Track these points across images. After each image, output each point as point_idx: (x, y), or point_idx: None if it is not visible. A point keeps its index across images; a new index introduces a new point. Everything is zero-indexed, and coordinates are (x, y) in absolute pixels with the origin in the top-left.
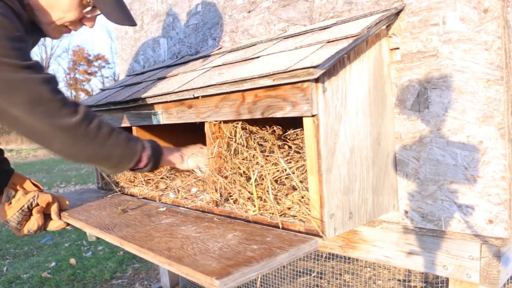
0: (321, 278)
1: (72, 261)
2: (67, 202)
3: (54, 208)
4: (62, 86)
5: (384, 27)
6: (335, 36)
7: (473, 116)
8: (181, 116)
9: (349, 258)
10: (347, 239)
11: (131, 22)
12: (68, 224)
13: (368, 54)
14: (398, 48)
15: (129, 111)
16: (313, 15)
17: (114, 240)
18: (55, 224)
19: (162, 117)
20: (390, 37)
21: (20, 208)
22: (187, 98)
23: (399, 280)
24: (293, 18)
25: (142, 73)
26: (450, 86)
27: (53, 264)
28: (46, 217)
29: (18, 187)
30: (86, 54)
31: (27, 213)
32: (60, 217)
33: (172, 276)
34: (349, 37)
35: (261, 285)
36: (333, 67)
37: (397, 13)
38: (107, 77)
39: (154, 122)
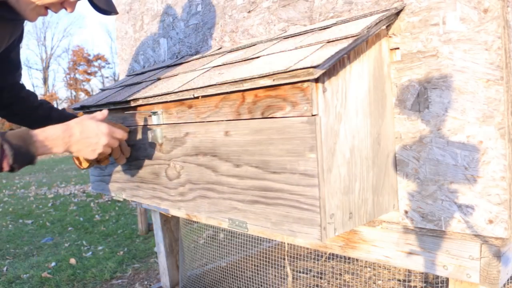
0: (321, 278)
1: (72, 261)
2: (127, 128)
3: (114, 151)
4: (62, 86)
5: (384, 27)
6: (335, 36)
7: (473, 116)
8: (181, 116)
9: (349, 258)
10: (347, 239)
11: (114, 10)
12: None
13: (368, 54)
14: (398, 48)
15: (129, 111)
16: (313, 15)
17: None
18: (121, 161)
19: (162, 117)
20: (390, 37)
21: (89, 165)
22: (187, 98)
23: (399, 280)
24: (293, 18)
25: (142, 73)
26: (450, 86)
27: (53, 264)
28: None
29: None
30: (86, 54)
31: (96, 162)
32: (123, 153)
33: (172, 276)
34: (349, 37)
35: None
36: (333, 67)
37: (397, 13)
38: (107, 77)
39: (154, 122)
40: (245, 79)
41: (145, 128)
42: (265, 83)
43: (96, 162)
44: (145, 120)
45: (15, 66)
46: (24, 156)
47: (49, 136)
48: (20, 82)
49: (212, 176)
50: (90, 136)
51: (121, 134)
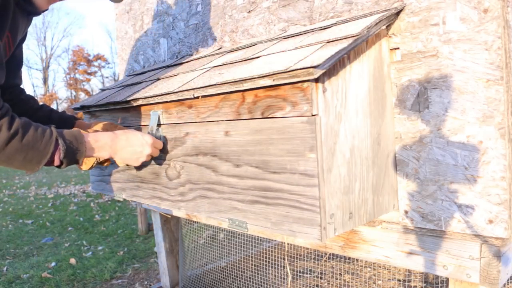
0: (321, 278)
1: (72, 261)
2: None
3: None
4: (62, 86)
5: (384, 27)
6: (335, 36)
7: (473, 116)
8: (181, 116)
9: (349, 258)
10: (347, 239)
11: None
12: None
13: (368, 54)
14: (398, 48)
15: (129, 111)
16: (313, 15)
17: None
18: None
19: (162, 117)
20: (390, 37)
21: (91, 167)
22: (187, 98)
23: (399, 280)
24: (293, 18)
25: (142, 73)
26: (450, 86)
27: (53, 264)
28: None
29: None
30: (86, 54)
31: (98, 164)
32: None
33: (172, 276)
34: (349, 37)
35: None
36: (333, 67)
37: (397, 13)
38: (107, 77)
39: (154, 122)
40: (245, 79)
41: (145, 128)
42: (265, 83)
43: (98, 164)
44: (145, 120)
45: (18, 64)
46: (73, 153)
47: (98, 140)
48: (21, 86)
49: (212, 176)
50: (135, 145)
51: (161, 144)
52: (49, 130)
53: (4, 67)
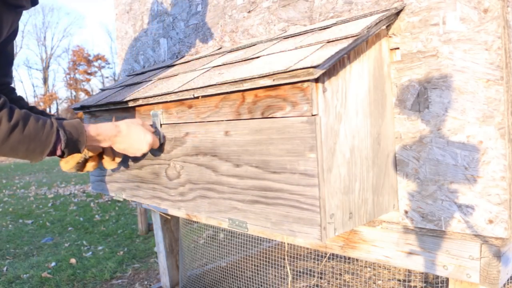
0: (321, 278)
1: (72, 261)
2: None
3: (107, 153)
4: (62, 86)
5: (384, 27)
6: (335, 36)
7: (473, 116)
8: (181, 116)
9: (349, 258)
10: (347, 239)
11: None
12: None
13: (368, 54)
14: (398, 48)
15: (129, 111)
16: (313, 15)
17: None
18: (109, 166)
19: (162, 117)
20: (390, 37)
21: (76, 163)
22: (187, 98)
23: (399, 280)
24: (293, 18)
25: (142, 73)
26: (450, 86)
27: (53, 264)
28: (101, 155)
29: None
30: (86, 54)
31: (83, 163)
32: (114, 159)
33: (172, 276)
34: (349, 37)
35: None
36: (333, 67)
37: (397, 13)
38: (107, 77)
39: (154, 122)
40: (245, 79)
41: None
42: (265, 83)
43: (78, 164)
44: (145, 120)
45: (9, 61)
46: (74, 144)
47: (99, 129)
48: (12, 85)
49: (212, 176)
50: (134, 143)
51: (157, 145)
52: (50, 121)
53: None
